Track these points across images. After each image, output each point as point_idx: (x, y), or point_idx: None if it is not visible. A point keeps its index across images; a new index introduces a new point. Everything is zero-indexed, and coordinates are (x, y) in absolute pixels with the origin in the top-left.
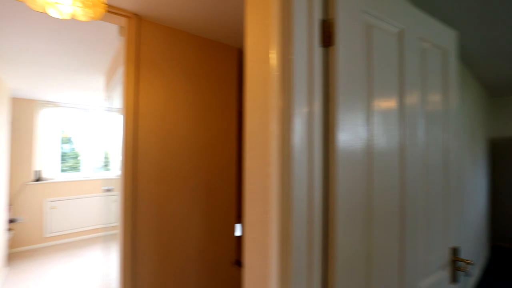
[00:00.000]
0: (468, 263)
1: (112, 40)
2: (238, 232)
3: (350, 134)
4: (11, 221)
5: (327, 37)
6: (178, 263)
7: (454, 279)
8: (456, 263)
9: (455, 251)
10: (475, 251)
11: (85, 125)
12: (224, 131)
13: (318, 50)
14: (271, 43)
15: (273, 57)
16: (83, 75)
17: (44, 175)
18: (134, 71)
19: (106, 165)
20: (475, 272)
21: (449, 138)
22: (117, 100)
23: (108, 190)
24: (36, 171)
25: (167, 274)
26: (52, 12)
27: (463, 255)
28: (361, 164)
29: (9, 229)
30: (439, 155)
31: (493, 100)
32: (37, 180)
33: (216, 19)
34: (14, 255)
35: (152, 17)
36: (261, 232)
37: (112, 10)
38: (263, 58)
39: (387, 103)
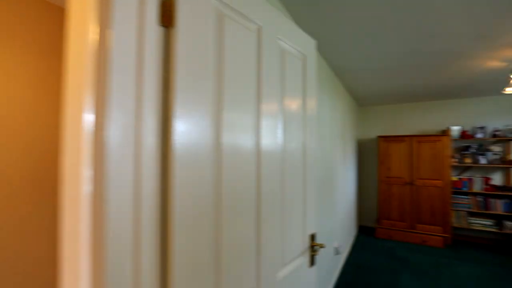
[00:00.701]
0: (321, 247)
1: None
2: None
3: (194, 128)
4: None
5: (168, 16)
6: None
7: (312, 262)
8: (313, 248)
9: (313, 237)
10: (347, 232)
11: None
12: None
13: (155, 29)
14: (90, 11)
15: (94, 30)
16: None
17: None
18: None
19: None
20: (346, 248)
21: (307, 137)
22: None
23: None
24: None
25: None
26: None
27: (337, 237)
28: (209, 161)
29: None
30: (298, 152)
31: (360, 109)
32: None
33: None
34: None
35: None
36: (73, 249)
37: None
38: (82, 29)
39: (241, 98)
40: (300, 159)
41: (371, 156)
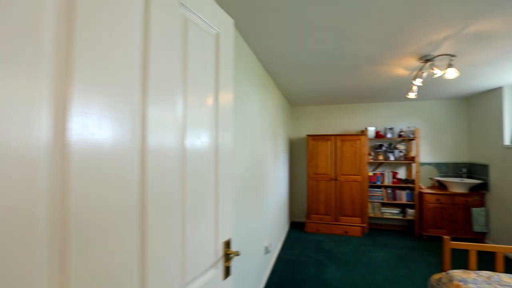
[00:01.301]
0: (236, 255)
1: None
2: None
3: (8, 111)
4: None
5: None
6: None
7: (227, 273)
8: (228, 256)
9: (228, 244)
10: (279, 229)
11: None
12: None
13: None
14: None
15: None
16: None
17: None
18: None
19: None
20: (278, 245)
21: (221, 133)
22: None
23: None
24: None
25: None
26: None
27: (268, 236)
28: (43, 164)
29: None
30: (208, 151)
31: (292, 108)
32: None
33: None
34: None
35: None
36: None
37: None
38: None
39: (114, 72)
40: (210, 158)
41: (302, 154)
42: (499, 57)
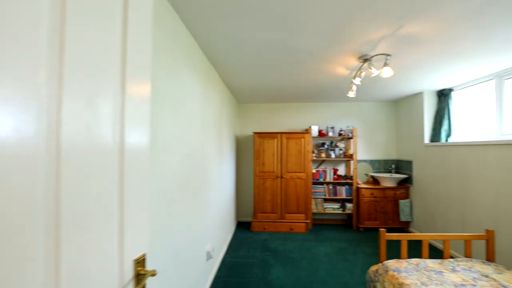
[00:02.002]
0: (153, 275)
1: None
2: None
3: None
4: None
5: None
6: None
7: None
8: (142, 277)
9: (141, 262)
10: (224, 230)
11: None
12: None
13: None
14: None
15: None
16: None
17: None
18: None
19: None
20: (223, 247)
21: (128, 128)
22: None
23: None
24: None
25: None
26: None
27: (211, 239)
28: None
29: None
30: (108, 149)
31: (239, 105)
32: None
33: None
34: None
35: None
36: None
37: None
38: None
39: None
40: (111, 157)
41: (249, 152)
42: (423, 60)
